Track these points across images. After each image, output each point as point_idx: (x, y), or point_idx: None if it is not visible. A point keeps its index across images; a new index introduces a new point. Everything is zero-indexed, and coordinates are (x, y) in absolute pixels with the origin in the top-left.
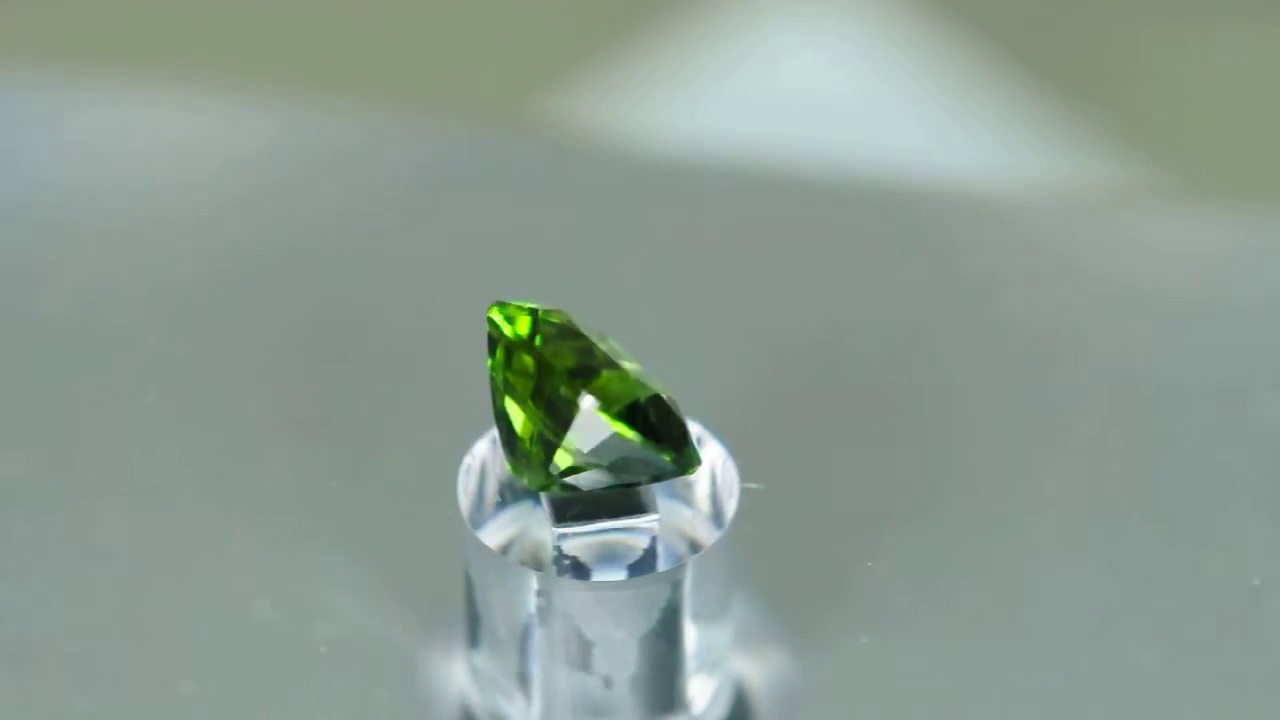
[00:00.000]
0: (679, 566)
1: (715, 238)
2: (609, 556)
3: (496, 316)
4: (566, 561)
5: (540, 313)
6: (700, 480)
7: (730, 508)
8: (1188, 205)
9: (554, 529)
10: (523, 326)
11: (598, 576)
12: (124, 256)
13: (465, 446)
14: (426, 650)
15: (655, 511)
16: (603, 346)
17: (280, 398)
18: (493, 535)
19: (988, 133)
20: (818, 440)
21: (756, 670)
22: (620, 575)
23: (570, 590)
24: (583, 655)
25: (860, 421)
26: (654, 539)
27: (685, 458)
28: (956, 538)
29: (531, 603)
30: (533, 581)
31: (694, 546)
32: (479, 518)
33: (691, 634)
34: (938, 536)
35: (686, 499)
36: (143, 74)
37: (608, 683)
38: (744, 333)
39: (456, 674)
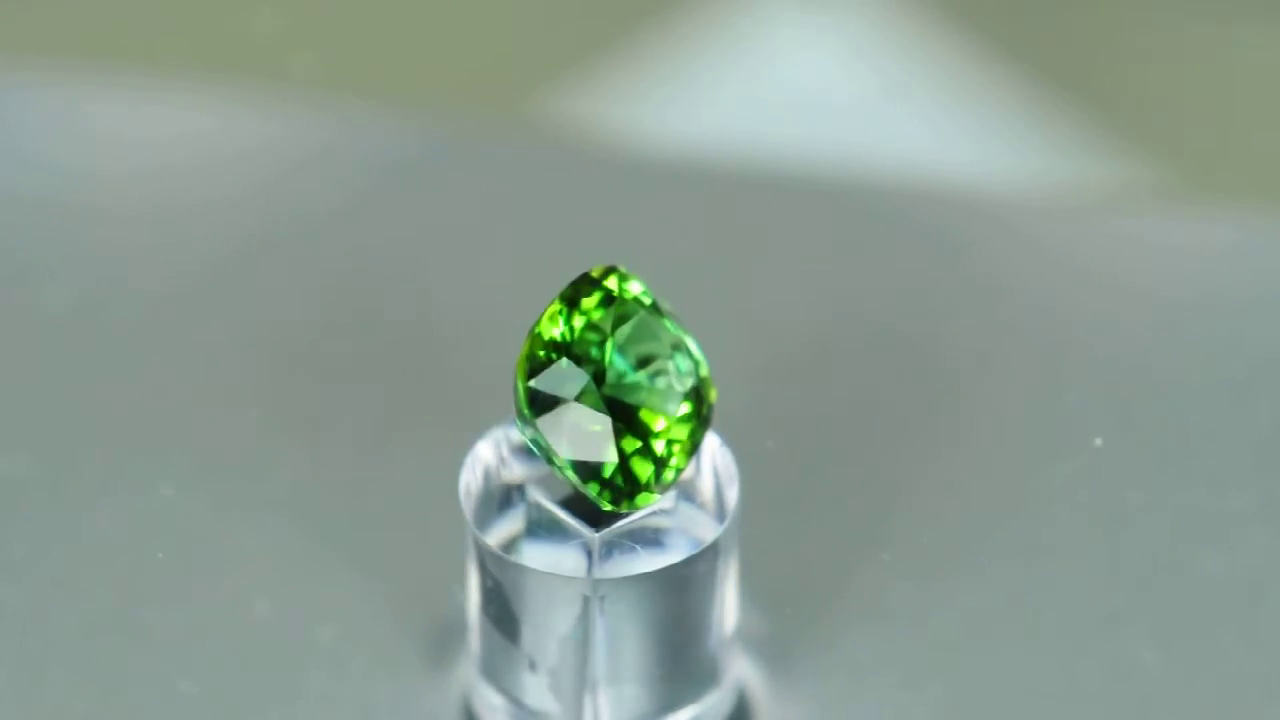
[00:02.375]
0: (582, 580)
1: (715, 238)
2: (563, 539)
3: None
4: (534, 513)
5: (597, 292)
6: (703, 477)
7: (732, 499)
8: (1189, 204)
9: (526, 475)
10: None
11: (543, 549)
12: (123, 254)
13: (467, 445)
14: (427, 651)
15: (593, 532)
16: (648, 364)
17: (281, 397)
18: (495, 534)
19: (988, 132)
20: (817, 439)
21: (757, 669)
22: (554, 558)
23: (491, 554)
24: (511, 627)
25: (860, 421)
26: (590, 552)
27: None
28: (957, 537)
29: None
30: (471, 540)
31: (696, 543)
32: (481, 517)
33: (622, 664)
34: (938, 535)
35: (690, 495)
36: (144, 72)
37: (532, 665)
38: (744, 332)
39: (457, 674)
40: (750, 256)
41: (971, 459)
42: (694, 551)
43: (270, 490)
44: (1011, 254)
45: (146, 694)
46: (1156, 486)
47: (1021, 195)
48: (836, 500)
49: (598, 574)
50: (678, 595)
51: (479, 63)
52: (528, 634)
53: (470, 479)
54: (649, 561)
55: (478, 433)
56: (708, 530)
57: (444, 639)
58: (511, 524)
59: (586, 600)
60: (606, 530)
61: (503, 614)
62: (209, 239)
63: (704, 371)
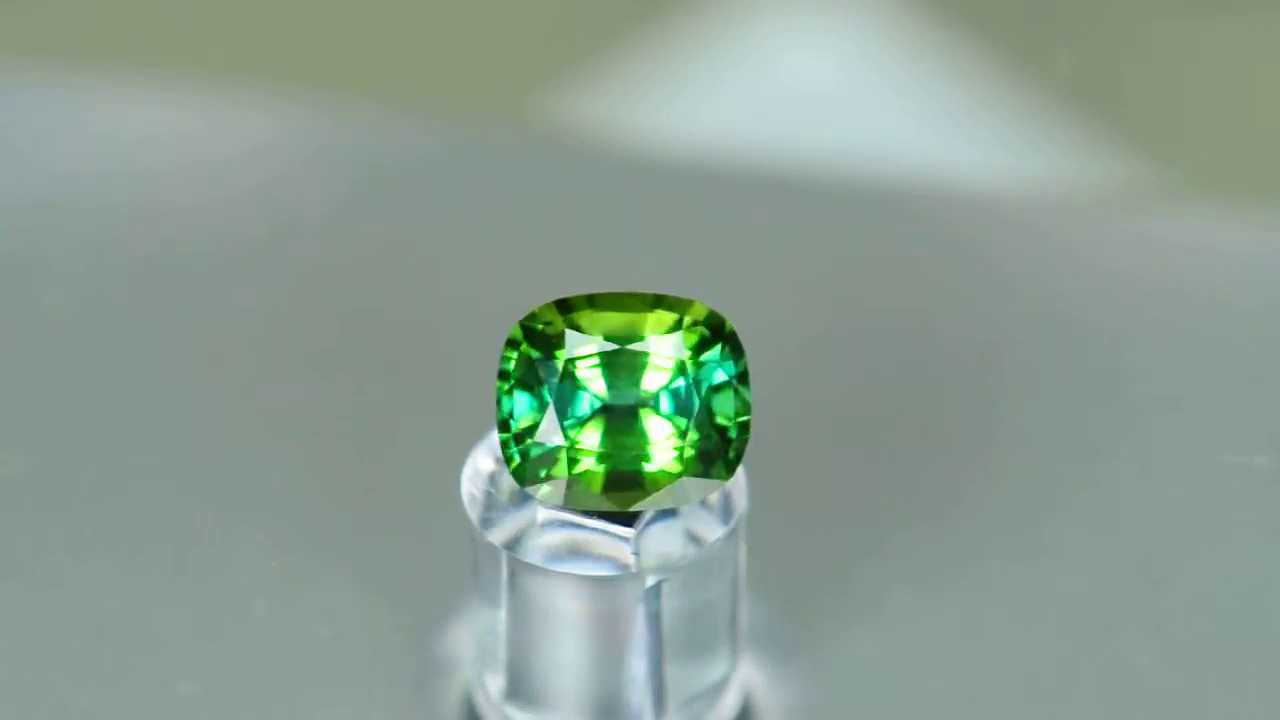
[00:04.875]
0: (500, 551)
1: (715, 238)
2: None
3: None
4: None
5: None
6: None
7: (738, 500)
8: (1190, 202)
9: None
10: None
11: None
12: (124, 254)
13: (468, 445)
14: (427, 650)
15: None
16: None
17: (281, 397)
18: (498, 534)
19: (988, 131)
20: (818, 441)
21: (759, 670)
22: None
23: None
24: (480, 584)
25: (861, 421)
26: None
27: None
28: (958, 538)
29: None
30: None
31: (697, 542)
32: (486, 516)
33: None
34: (939, 536)
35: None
36: (142, 72)
37: (492, 625)
38: (743, 332)
39: (458, 674)
40: (750, 256)
41: (971, 458)
42: (615, 573)
43: (270, 490)
44: (1013, 253)
45: (146, 694)
46: (1156, 486)
47: (1023, 194)
48: (839, 500)
49: (519, 551)
50: (597, 608)
51: (479, 63)
52: (488, 600)
53: (474, 477)
54: (566, 563)
55: (479, 432)
56: (712, 530)
57: (444, 639)
58: (515, 521)
59: (507, 575)
60: (546, 518)
61: (483, 589)
62: (208, 240)
63: (711, 447)
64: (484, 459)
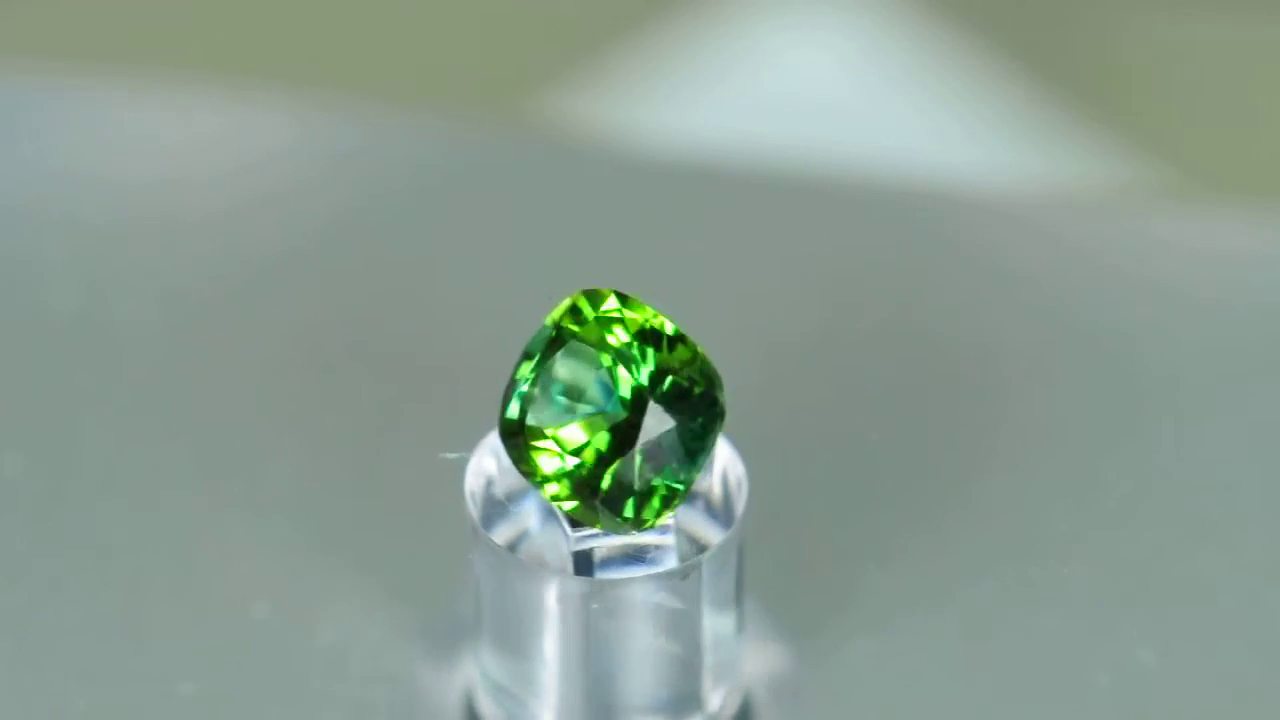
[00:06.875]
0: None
1: (715, 238)
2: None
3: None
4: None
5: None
6: (710, 479)
7: (739, 505)
8: (1192, 202)
9: None
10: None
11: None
12: (126, 255)
13: (470, 446)
14: (427, 651)
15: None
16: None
17: (282, 397)
18: (500, 535)
19: (989, 131)
20: (817, 441)
21: (760, 670)
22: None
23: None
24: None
25: (861, 421)
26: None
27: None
28: (958, 537)
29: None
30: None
31: (700, 546)
32: (488, 516)
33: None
34: (939, 536)
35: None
36: (150, 74)
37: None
38: (743, 333)
39: (457, 675)
40: (750, 256)
41: (971, 458)
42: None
43: (270, 490)
44: (1015, 252)
45: (146, 694)
46: (1156, 485)
47: (1025, 193)
48: (838, 503)
49: (493, 536)
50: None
51: (479, 63)
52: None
53: (476, 477)
54: (519, 544)
55: (480, 431)
56: (713, 535)
57: (445, 639)
58: (516, 523)
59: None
60: (541, 509)
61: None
62: (207, 241)
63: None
64: (487, 459)
